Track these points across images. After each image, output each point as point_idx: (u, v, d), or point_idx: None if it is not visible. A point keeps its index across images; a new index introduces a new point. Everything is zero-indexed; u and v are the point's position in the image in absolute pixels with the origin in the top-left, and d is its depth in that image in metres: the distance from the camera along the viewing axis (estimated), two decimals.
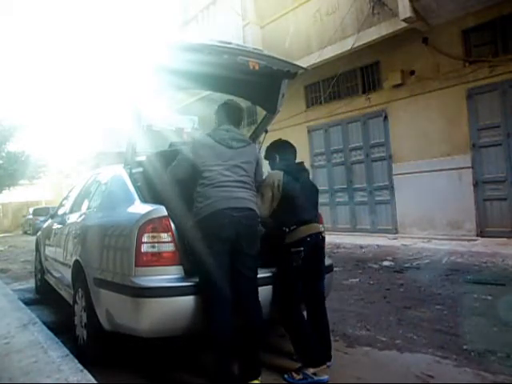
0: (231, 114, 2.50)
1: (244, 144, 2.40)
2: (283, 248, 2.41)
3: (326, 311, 2.54)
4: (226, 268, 2.18)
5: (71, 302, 3.05)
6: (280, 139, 2.78)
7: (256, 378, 2.15)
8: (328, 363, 2.34)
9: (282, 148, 2.70)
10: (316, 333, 2.39)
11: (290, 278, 2.40)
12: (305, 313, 2.51)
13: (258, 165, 2.47)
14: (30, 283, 5.51)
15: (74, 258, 2.99)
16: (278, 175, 2.46)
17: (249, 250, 2.25)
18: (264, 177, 2.55)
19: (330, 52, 7.98)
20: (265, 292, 2.35)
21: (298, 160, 2.72)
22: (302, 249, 2.36)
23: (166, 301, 2.13)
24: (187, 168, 2.30)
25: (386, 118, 7.90)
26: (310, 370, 2.27)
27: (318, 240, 2.49)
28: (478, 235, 6.57)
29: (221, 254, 2.16)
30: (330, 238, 5.30)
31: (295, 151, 2.72)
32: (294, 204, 2.43)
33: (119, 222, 2.49)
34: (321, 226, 2.56)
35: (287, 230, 2.40)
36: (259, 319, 2.23)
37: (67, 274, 3.20)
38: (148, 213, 2.25)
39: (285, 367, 2.43)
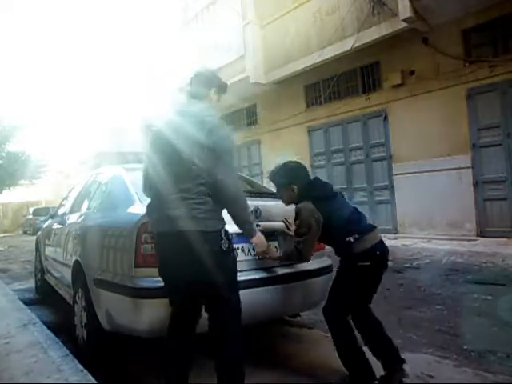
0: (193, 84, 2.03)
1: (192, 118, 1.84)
2: (348, 260, 2.18)
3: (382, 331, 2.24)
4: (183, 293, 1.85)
5: (71, 302, 3.04)
6: (286, 164, 2.32)
7: None
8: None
9: (297, 173, 2.27)
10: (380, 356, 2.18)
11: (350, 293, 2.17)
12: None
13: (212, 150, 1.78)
14: (30, 283, 5.51)
15: (73, 259, 2.99)
16: (310, 206, 2.12)
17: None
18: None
19: (330, 52, 7.99)
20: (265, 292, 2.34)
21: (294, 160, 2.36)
22: (368, 264, 2.11)
23: (165, 301, 2.12)
24: None
25: (386, 118, 7.90)
26: None
27: (385, 251, 2.19)
28: (478, 235, 6.57)
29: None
30: None
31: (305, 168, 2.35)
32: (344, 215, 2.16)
33: (119, 223, 2.49)
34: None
35: (351, 239, 2.10)
36: (229, 360, 1.77)
37: (67, 274, 3.20)
38: None
39: (288, 365, 2.43)
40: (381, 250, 2.15)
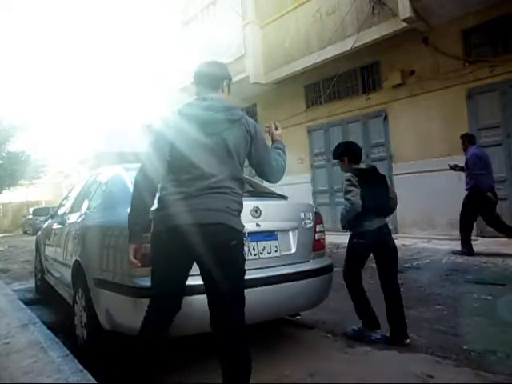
0: (205, 76, 1.91)
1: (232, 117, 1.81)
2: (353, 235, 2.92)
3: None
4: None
5: (71, 302, 3.05)
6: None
7: None
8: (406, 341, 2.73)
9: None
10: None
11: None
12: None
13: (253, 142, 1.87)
14: (30, 283, 5.51)
15: (73, 258, 2.99)
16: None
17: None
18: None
19: (330, 52, 7.99)
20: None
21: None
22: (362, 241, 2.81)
23: None
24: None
25: (385, 118, 7.90)
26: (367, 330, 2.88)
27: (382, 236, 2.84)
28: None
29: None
30: (330, 238, 5.29)
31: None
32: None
33: (119, 223, 2.48)
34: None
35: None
36: (244, 355, 1.72)
37: (67, 274, 3.20)
38: None
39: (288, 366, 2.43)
40: (378, 234, 2.77)
